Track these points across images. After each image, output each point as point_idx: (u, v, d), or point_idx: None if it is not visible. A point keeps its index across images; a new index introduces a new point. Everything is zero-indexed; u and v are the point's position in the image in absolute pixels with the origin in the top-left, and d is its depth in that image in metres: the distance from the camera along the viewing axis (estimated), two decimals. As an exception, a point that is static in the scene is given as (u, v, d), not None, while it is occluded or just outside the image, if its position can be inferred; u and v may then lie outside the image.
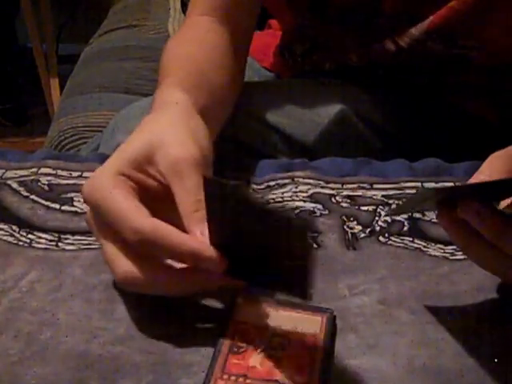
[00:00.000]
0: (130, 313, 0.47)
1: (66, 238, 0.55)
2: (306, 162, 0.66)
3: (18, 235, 0.55)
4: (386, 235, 0.56)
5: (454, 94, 0.81)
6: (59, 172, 0.64)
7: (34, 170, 0.64)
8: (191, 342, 0.45)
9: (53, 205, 0.59)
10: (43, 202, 0.60)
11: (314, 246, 0.54)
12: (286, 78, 0.92)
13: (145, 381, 0.42)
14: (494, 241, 0.43)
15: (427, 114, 0.82)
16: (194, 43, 0.69)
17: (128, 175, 0.47)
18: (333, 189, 0.62)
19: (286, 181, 0.63)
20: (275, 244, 0.41)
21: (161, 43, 1.19)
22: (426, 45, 0.74)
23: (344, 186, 0.62)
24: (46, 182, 0.62)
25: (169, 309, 0.47)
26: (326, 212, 0.59)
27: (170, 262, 0.45)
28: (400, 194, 0.61)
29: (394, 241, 0.55)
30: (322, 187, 0.62)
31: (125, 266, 0.45)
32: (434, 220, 0.57)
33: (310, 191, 0.61)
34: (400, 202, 0.60)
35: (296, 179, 0.63)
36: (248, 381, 0.40)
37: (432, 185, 0.62)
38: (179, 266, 0.45)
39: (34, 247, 0.54)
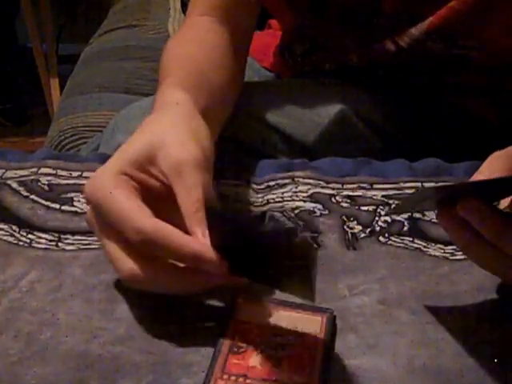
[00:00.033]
0: (129, 313, 0.47)
1: (66, 238, 0.55)
2: (306, 162, 0.66)
3: (18, 235, 0.55)
4: (386, 235, 0.56)
5: (454, 94, 0.81)
6: (59, 172, 0.64)
7: (34, 169, 0.64)
8: (191, 342, 0.45)
9: (53, 205, 0.59)
10: (43, 201, 0.60)
11: (314, 246, 0.54)
12: (285, 78, 0.92)
13: (145, 381, 0.42)
14: (494, 241, 0.43)
15: (427, 114, 0.82)
16: (193, 43, 0.69)
17: (130, 175, 0.47)
18: (333, 189, 0.62)
19: (286, 181, 0.63)
20: (275, 244, 0.41)
21: (161, 43, 1.18)
22: (426, 45, 0.74)
23: (344, 186, 0.62)
24: (46, 182, 0.62)
25: (169, 309, 0.47)
26: (326, 212, 0.59)
27: (171, 260, 0.45)
28: (400, 194, 0.61)
29: (394, 241, 0.55)
30: (322, 187, 0.62)
31: (128, 264, 0.45)
32: (434, 220, 0.57)
33: (310, 191, 0.61)
34: (399, 202, 0.60)
35: (296, 179, 0.63)
36: (248, 381, 0.40)
37: (432, 185, 0.62)
38: (181, 265, 0.45)
39: (33, 247, 0.54)
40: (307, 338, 0.43)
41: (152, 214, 0.44)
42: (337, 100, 0.79)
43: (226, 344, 0.42)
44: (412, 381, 0.43)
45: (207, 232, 0.44)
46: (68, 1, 2.53)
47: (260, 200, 0.60)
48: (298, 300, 0.43)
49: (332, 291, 0.49)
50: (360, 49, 0.80)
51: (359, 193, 0.61)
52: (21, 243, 0.54)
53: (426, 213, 0.58)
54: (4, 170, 0.64)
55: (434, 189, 0.47)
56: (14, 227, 0.56)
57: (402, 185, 0.62)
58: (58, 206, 0.59)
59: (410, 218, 0.58)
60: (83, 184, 0.61)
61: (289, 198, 0.60)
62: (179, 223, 0.44)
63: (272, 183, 0.63)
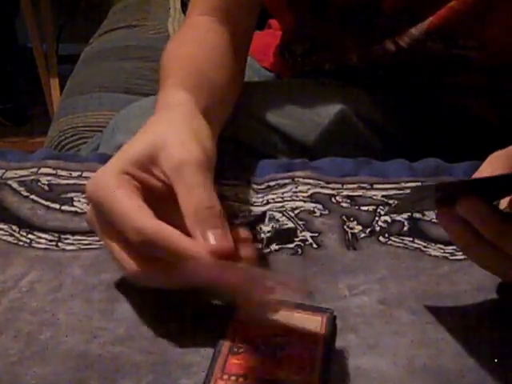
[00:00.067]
0: (129, 313, 0.47)
1: (66, 238, 0.55)
2: (306, 162, 0.66)
3: (18, 235, 0.55)
4: (386, 235, 0.56)
5: (453, 94, 0.81)
6: (59, 172, 0.64)
7: (34, 169, 0.64)
8: (191, 342, 0.45)
9: (53, 205, 0.59)
10: (43, 202, 0.60)
11: (314, 246, 0.54)
12: (285, 78, 0.92)
13: (145, 381, 0.42)
14: (495, 241, 0.43)
15: (427, 114, 0.82)
16: (193, 43, 0.69)
17: (132, 174, 0.47)
18: (333, 189, 0.62)
19: (286, 181, 0.63)
20: None
21: (161, 43, 1.19)
22: (425, 45, 0.74)
23: (344, 186, 0.62)
24: (46, 182, 0.62)
25: (169, 308, 0.47)
26: (326, 212, 0.59)
27: None
28: (400, 194, 0.61)
29: (394, 241, 0.55)
30: (322, 187, 0.62)
31: (130, 264, 0.45)
32: (434, 220, 0.57)
33: (310, 191, 0.61)
34: (398, 202, 0.60)
35: (296, 179, 0.63)
36: (248, 381, 0.40)
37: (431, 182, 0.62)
38: None
39: (34, 247, 0.54)
40: (307, 338, 0.43)
41: (153, 215, 0.44)
42: (337, 100, 0.79)
43: (225, 345, 0.42)
44: (412, 381, 0.42)
45: (208, 233, 0.44)
46: (68, 1, 2.53)
47: (260, 200, 0.60)
48: (297, 300, 0.43)
49: (332, 291, 0.49)
50: (360, 49, 0.80)
51: (359, 193, 0.61)
52: (21, 243, 0.54)
53: (426, 213, 0.58)
54: (4, 170, 0.64)
55: (434, 186, 0.47)
56: (14, 227, 0.56)
57: (402, 185, 0.62)
58: (57, 206, 0.59)
59: (410, 218, 0.58)
60: (83, 184, 0.62)
61: (289, 198, 0.60)
62: (180, 224, 0.44)
63: (272, 183, 0.63)
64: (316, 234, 0.56)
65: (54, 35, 2.32)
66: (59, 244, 0.54)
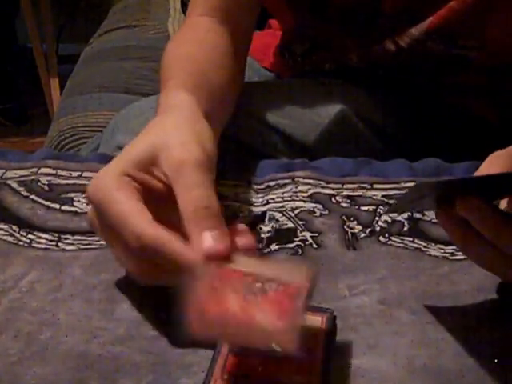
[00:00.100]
0: (129, 313, 0.47)
1: (66, 238, 0.55)
2: (306, 162, 0.66)
3: (18, 235, 0.55)
4: (386, 235, 0.56)
5: (453, 94, 0.81)
6: (59, 172, 0.64)
7: (34, 169, 0.64)
8: (191, 342, 0.45)
9: (53, 205, 0.59)
10: (43, 202, 0.60)
11: (314, 246, 0.54)
12: (285, 78, 0.92)
13: (145, 381, 0.42)
14: (494, 240, 0.43)
15: (427, 114, 0.82)
16: (194, 43, 0.69)
17: (132, 176, 0.47)
18: (333, 189, 0.62)
19: (286, 181, 0.63)
20: None
21: (161, 43, 1.19)
22: (425, 45, 0.74)
23: (344, 186, 0.62)
24: (46, 182, 0.62)
25: (169, 309, 0.47)
26: (326, 212, 0.59)
27: None
28: (400, 194, 0.61)
29: (394, 241, 0.55)
30: (322, 187, 0.62)
31: (130, 266, 0.45)
32: (435, 220, 0.57)
33: (310, 191, 0.61)
34: (397, 200, 0.60)
35: (296, 179, 0.63)
36: (248, 381, 0.40)
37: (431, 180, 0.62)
38: None
39: (34, 247, 0.54)
40: (307, 338, 0.43)
41: (152, 219, 0.44)
42: (337, 100, 0.79)
43: (225, 345, 0.42)
44: (412, 381, 0.43)
45: (204, 234, 0.43)
46: (68, 1, 2.53)
47: (260, 200, 0.60)
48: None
49: (332, 291, 0.49)
50: (360, 49, 0.80)
51: (359, 193, 0.61)
52: (21, 243, 0.54)
53: (426, 213, 0.58)
54: (4, 170, 0.64)
55: (433, 184, 0.47)
56: (14, 227, 0.56)
57: (402, 185, 0.62)
58: (57, 206, 0.59)
59: (410, 218, 0.58)
60: (83, 184, 0.62)
61: (289, 198, 0.60)
62: (180, 225, 0.44)
63: (272, 183, 0.63)
64: (316, 234, 0.56)
65: (54, 35, 2.32)
66: (59, 244, 0.54)
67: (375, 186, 0.62)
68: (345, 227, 0.57)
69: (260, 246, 0.54)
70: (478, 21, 0.72)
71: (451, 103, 0.81)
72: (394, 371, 0.43)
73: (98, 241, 0.54)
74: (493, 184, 0.45)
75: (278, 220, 0.57)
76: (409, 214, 0.58)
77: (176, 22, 1.34)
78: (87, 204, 0.59)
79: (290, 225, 0.57)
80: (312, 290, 0.41)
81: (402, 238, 0.55)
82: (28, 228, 0.56)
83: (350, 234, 0.56)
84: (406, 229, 0.57)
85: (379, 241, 0.55)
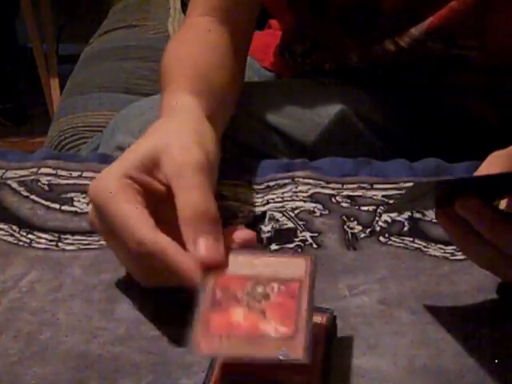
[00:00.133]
0: (129, 313, 0.47)
1: (66, 238, 0.55)
2: (306, 162, 0.66)
3: (18, 235, 0.55)
4: (387, 235, 0.56)
5: (453, 94, 0.81)
6: (59, 172, 0.64)
7: (34, 170, 0.64)
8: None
9: (53, 205, 0.59)
10: (43, 202, 0.60)
11: (314, 246, 0.54)
12: (285, 78, 0.92)
13: (145, 381, 0.42)
14: (494, 240, 0.43)
15: (427, 114, 0.82)
16: (194, 44, 0.69)
17: (134, 178, 0.46)
18: (333, 189, 0.62)
19: (286, 181, 0.63)
20: None
21: (161, 43, 1.19)
22: (426, 45, 0.74)
23: (344, 186, 0.62)
24: (46, 182, 0.62)
25: (169, 309, 0.47)
26: (326, 212, 0.59)
27: None
28: (399, 193, 0.61)
29: (395, 241, 0.55)
30: (322, 187, 0.62)
31: (131, 268, 0.46)
32: (435, 220, 0.57)
33: (310, 191, 0.61)
34: (396, 200, 0.59)
35: (296, 179, 0.63)
36: (248, 381, 0.40)
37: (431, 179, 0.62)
38: None
39: (34, 247, 0.54)
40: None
41: (153, 224, 0.44)
42: (337, 100, 0.79)
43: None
44: (412, 381, 0.42)
45: (199, 239, 0.43)
46: (68, 1, 2.53)
47: (260, 200, 0.60)
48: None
49: (332, 291, 0.49)
50: (360, 49, 0.80)
51: (359, 193, 0.61)
52: (21, 243, 0.54)
53: (426, 213, 0.58)
54: (4, 170, 0.64)
55: (433, 183, 0.47)
56: (14, 227, 0.56)
57: (402, 185, 0.62)
58: (57, 206, 0.59)
59: (410, 218, 0.58)
60: (83, 184, 0.62)
61: (289, 198, 0.60)
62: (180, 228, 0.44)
63: (272, 183, 0.63)
64: (316, 234, 0.56)
65: (54, 35, 2.32)
66: (59, 244, 0.54)
67: (375, 186, 0.62)
68: (345, 227, 0.57)
69: (260, 246, 0.54)
70: (478, 21, 0.72)
71: (451, 103, 0.81)
72: (394, 371, 0.43)
73: (98, 241, 0.54)
74: (492, 184, 0.45)
75: (278, 220, 0.57)
76: (409, 214, 0.58)
77: (176, 21, 1.34)
78: (87, 204, 0.59)
79: (290, 225, 0.57)
80: (313, 279, 0.41)
81: (402, 238, 0.55)
82: (28, 228, 0.56)
83: (350, 234, 0.56)
84: (406, 229, 0.56)
85: (379, 241, 0.55)
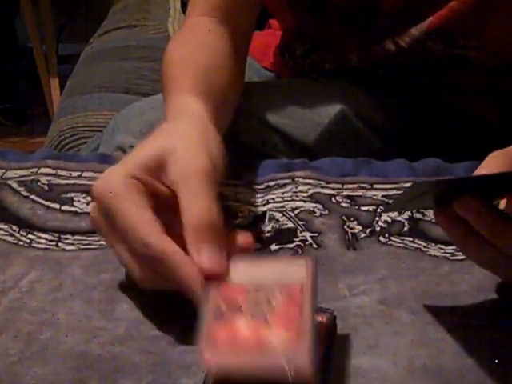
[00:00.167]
0: (129, 313, 0.47)
1: (66, 238, 0.55)
2: (306, 162, 0.66)
3: (18, 235, 0.55)
4: (387, 235, 0.56)
5: (453, 94, 0.81)
6: (59, 172, 0.64)
7: (34, 170, 0.64)
8: (191, 342, 0.45)
9: (53, 205, 0.59)
10: (43, 202, 0.60)
11: (314, 246, 0.54)
12: (285, 78, 0.92)
13: (145, 381, 0.42)
14: (493, 240, 0.43)
15: (427, 114, 0.82)
16: (194, 44, 0.69)
17: (139, 178, 0.46)
18: (333, 189, 0.62)
19: (286, 181, 0.63)
20: None
21: (161, 43, 1.19)
22: (426, 45, 0.74)
23: (344, 186, 0.62)
24: (46, 182, 0.62)
25: (169, 308, 0.47)
26: (326, 212, 0.59)
27: None
28: (398, 193, 0.61)
29: (395, 241, 0.55)
30: (322, 187, 0.62)
31: (136, 270, 0.45)
32: (435, 220, 0.57)
33: (310, 191, 0.61)
34: (395, 199, 0.59)
35: (296, 179, 0.63)
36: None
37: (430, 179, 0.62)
38: None
39: (34, 247, 0.54)
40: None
41: (159, 226, 0.44)
42: (337, 100, 0.79)
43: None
44: (412, 381, 0.42)
45: (202, 248, 0.43)
46: (68, 1, 2.54)
47: (260, 200, 0.60)
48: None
49: (332, 291, 0.49)
50: (360, 49, 0.80)
51: (359, 193, 0.61)
52: (21, 243, 0.54)
53: (427, 213, 0.58)
54: (4, 170, 0.64)
55: (432, 183, 0.47)
56: (14, 227, 0.56)
57: (402, 185, 0.62)
58: (57, 206, 0.59)
59: (410, 219, 0.58)
60: (83, 184, 0.62)
61: (289, 198, 0.60)
62: (180, 232, 0.44)
63: (272, 183, 0.63)
64: (316, 234, 0.56)
65: (54, 35, 2.32)
66: (59, 244, 0.54)
67: (375, 186, 0.62)
68: (345, 227, 0.57)
69: (260, 246, 0.54)
70: (478, 21, 0.72)
71: (451, 103, 0.81)
72: (394, 371, 0.43)
73: (98, 241, 0.54)
74: (490, 184, 0.45)
75: (278, 220, 0.57)
76: (409, 214, 0.58)
77: (176, 21, 1.34)
78: (87, 204, 0.59)
79: (290, 225, 0.57)
80: (314, 281, 0.41)
81: (402, 238, 0.55)
82: (28, 228, 0.56)
83: (350, 234, 0.56)
84: (406, 229, 0.56)
85: (379, 241, 0.55)
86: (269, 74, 0.94)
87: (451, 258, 0.53)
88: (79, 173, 0.63)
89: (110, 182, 0.46)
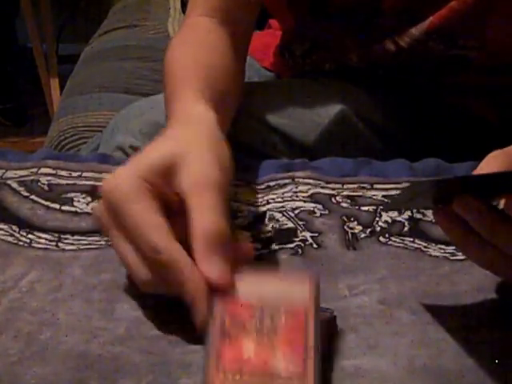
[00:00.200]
0: (129, 313, 0.47)
1: (66, 238, 0.55)
2: (306, 162, 0.66)
3: (17, 235, 0.55)
4: (387, 235, 0.56)
5: (453, 94, 0.81)
6: (59, 172, 0.64)
7: (34, 170, 0.64)
8: (191, 342, 0.45)
9: (53, 205, 0.59)
10: (43, 202, 0.60)
11: (314, 246, 0.54)
12: (285, 78, 0.92)
13: (145, 381, 0.42)
14: (494, 240, 0.43)
15: (427, 114, 0.82)
16: (195, 45, 0.68)
17: (151, 181, 0.46)
18: (333, 189, 0.62)
19: (286, 181, 0.63)
20: None
21: (161, 43, 1.19)
22: (426, 45, 0.74)
23: (344, 186, 0.62)
24: (46, 182, 0.62)
25: (169, 309, 0.47)
26: (326, 212, 0.59)
27: None
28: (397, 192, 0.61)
29: (395, 241, 0.55)
30: (322, 187, 0.62)
31: (143, 272, 0.45)
32: (434, 220, 0.57)
33: (310, 191, 0.61)
34: (394, 198, 0.59)
35: (296, 179, 0.63)
36: (245, 377, 0.40)
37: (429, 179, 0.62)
38: None
39: (33, 247, 0.54)
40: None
41: (170, 232, 0.44)
42: (337, 100, 0.79)
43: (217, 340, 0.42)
44: (412, 381, 0.42)
45: (210, 260, 0.43)
46: (68, 1, 2.53)
47: (260, 200, 0.60)
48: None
49: (332, 291, 0.49)
50: (360, 49, 0.80)
51: (359, 193, 0.61)
52: (21, 243, 0.54)
53: (427, 213, 0.58)
54: (4, 170, 0.64)
55: (431, 182, 0.47)
56: (14, 227, 0.56)
57: (402, 185, 0.62)
58: (57, 206, 0.59)
59: (410, 219, 0.58)
60: (83, 184, 0.62)
61: (289, 198, 0.60)
62: (181, 236, 0.44)
63: (272, 183, 0.63)
64: (316, 234, 0.56)
65: (54, 35, 2.32)
66: (59, 244, 0.54)
67: (375, 186, 0.62)
68: (345, 227, 0.57)
69: (260, 246, 0.54)
70: (478, 21, 0.72)
71: (451, 103, 0.81)
72: (394, 371, 0.43)
73: (98, 241, 0.54)
74: (490, 183, 0.44)
75: (278, 220, 0.57)
76: (409, 214, 0.58)
77: (176, 21, 1.34)
78: (87, 204, 0.59)
79: (290, 225, 0.57)
80: (317, 303, 0.42)
81: (402, 238, 0.55)
82: (28, 228, 0.56)
83: (350, 234, 0.56)
84: (406, 229, 0.57)
85: (379, 241, 0.55)
86: (269, 74, 0.94)
87: (451, 258, 0.53)
88: (79, 173, 0.63)
89: (122, 181, 0.46)
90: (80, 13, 2.51)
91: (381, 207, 0.59)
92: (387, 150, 0.78)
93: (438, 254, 0.53)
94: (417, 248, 0.54)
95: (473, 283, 0.50)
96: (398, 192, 0.60)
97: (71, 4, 2.52)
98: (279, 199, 0.60)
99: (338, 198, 0.60)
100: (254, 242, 0.54)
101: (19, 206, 0.59)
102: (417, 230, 0.56)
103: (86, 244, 0.54)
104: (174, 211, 0.47)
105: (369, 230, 0.56)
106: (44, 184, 0.62)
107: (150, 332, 0.46)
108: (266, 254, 0.53)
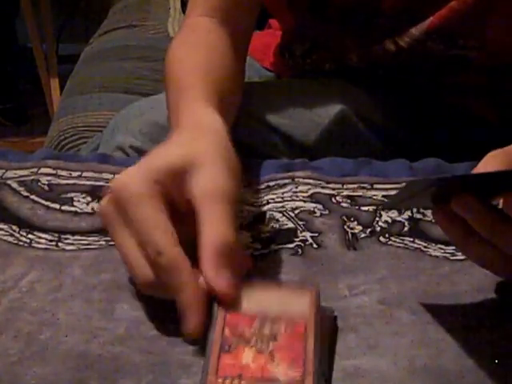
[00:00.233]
0: (129, 313, 0.47)
1: (66, 238, 0.55)
2: (307, 162, 0.66)
3: (17, 235, 0.55)
4: (387, 235, 0.56)
5: (453, 94, 0.81)
6: (59, 172, 0.64)
7: (34, 170, 0.64)
8: (191, 342, 0.45)
9: (53, 205, 0.59)
10: (43, 202, 0.60)
11: (314, 246, 0.54)
12: (285, 78, 0.92)
13: (145, 381, 0.42)
14: (494, 240, 0.43)
15: (427, 114, 0.82)
16: (195, 46, 0.68)
17: (161, 183, 0.46)
18: (333, 189, 0.62)
19: (286, 181, 0.63)
20: None
21: (161, 43, 1.19)
22: (426, 45, 0.74)
23: (344, 186, 0.62)
24: (46, 182, 0.62)
25: (169, 309, 0.47)
26: (326, 212, 0.58)
27: None
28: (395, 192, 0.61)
29: (395, 241, 0.55)
30: (323, 187, 0.62)
31: (146, 272, 0.45)
32: (434, 219, 0.57)
33: (310, 191, 0.61)
34: (393, 196, 0.59)
35: (296, 179, 0.63)
36: (243, 382, 0.40)
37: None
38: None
39: (34, 247, 0.54)
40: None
41: (176, 237, 0.44)
42: (337, 100, 0.79)
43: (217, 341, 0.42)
44: (412, 381, 0.42)
45: (217, 272, 0.43)
46: (68, 1, 2.53)
47: (260, 200, 0.60)
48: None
49: (332, 291, 0.49)
50: (360, 49, 0.80)
51: (359, 193, 0.61)
52: (21, 243, 0.54)
53: (427, 213, 0.58)
54: (4, 170, 0.64)
55: (429, 180, 0.47)
56: (14, 227, 0.56)
57: (402, 185, 0.62)
58: (57, 206, 0.59)
59: (410, 219, 0.58)
60: (83, 184, 0.62)
61: (289, 198, 0.60)
62: (183, 241, 0.45)
63: (272, 183, 0.63)
64: (316, 234, 0.56)
65: (54, 35, 2.32)
66: (59, 244, 0.54)
67: (375, 186, 0.62)
68: (345, 227, 0.57)
69: (260, 246, 0.54)
70: (478, 21, 0.72)
71: (451, 103, 0.81)
72: (395, 371, 0.43)
73: (98, 241, 0.54)
74: (489, 182, 0.44)
75: (278, 220, 0.57)
76: (409, 214, 0.58)
77: (176, 22, 1.34)
78: (87, 204, 0.59)
79: (290, 225, 0.57)
80: (318, 316, 0.42)
81: (402, 238, 0.55)
82: (28, 228, 0.56)
83: (350, 234, 0.56)
84: (406, 229, 0.56)
85: (379, 241, 0.55)
86: (269, 74, 0.94)
87: (451, 258, 0.53)
88: (79, 173, 0.63)
89: (133, 181, 0.46)
90: (80, 13, 2.51)
91: (380, 206, 0.59)
92: (387, 149, 0.78)
93: (438, 253, 0.53)
94: (417, 248, 0.54)
95: (473, 283, 0.50)
96: (394, 194, 0.60)
97: (71, 4, 2.52)
98: (279, 199, 0.60)
99: (338, 197, 0.60)
100: (253, 241, 0.54)
101: (19, 206, 0.59)
102: (417, 229, 0.56)
103: (86, 244, 0.54)
104: (180, 213, 0.47)
105: (369, 229, 0.56)
106: (44, 184, 0.62)
107: (149, 332, 0.46)
108: (266, 254, 0.53)
